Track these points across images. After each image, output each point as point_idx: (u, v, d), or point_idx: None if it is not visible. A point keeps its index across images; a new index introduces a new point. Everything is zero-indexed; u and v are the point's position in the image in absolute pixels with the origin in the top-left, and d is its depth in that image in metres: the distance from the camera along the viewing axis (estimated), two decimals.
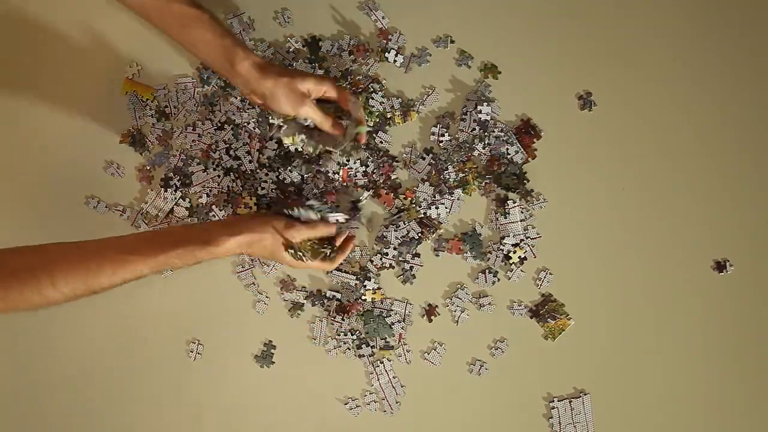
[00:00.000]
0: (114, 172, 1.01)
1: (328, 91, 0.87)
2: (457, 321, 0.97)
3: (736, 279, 0.97)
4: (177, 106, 1.01)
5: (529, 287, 0.98)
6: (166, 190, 0.99)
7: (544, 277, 0.97)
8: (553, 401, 0.97)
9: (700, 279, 0.97)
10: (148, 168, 1.01)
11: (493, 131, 0.97)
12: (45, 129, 1.02)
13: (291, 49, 1.00)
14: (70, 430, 1.00)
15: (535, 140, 0.98)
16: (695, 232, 0.97)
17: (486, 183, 0.97)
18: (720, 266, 0.97)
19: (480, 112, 0.97)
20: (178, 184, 1.00)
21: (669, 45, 0.99)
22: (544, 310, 0.97)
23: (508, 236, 0.96)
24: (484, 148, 0.97)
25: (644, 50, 0.99)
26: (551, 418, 0.97)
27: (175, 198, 1.00)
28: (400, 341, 0.97)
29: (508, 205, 0.96)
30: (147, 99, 1.01)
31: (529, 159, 0.97)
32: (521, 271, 0.97)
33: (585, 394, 0.97)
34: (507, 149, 0.97)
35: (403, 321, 0.97)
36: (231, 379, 0.99)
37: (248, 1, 1.01)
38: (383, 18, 1.00)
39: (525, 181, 0.97)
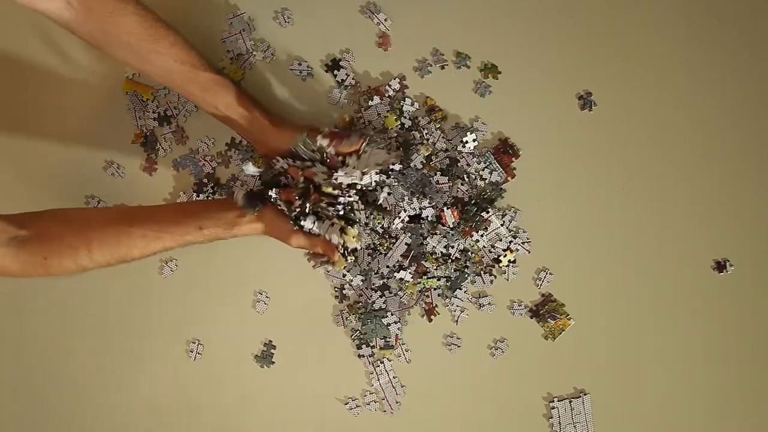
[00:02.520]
0: (114, 172, 1.01)
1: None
2: (457, 320, 0.97)
3: (736, 279, 0.97)
4: (177, 107, 1.01)
5: (529, 287, 0.98)
6: (198, 195, 1.00)
7: (544, 277, 0.97)
8: (553, 401, 0.97)
9: (700, 279, 0.97)
10: (156, 166, 1.01)
11: (470, 161, 0.97)
12: (45, 129, 1.02)
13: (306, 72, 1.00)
14: (70, 430, 1.00)
15: (513, 159, 0.98)
16: (695, 232, 0.97)
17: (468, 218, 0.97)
18: (720, 266, 0.97)
19: (466, 143, 0.97)
20: (211, 190, 1.00)
21: (669, 45, 0.99)
22: (544, 310, 0.97)
23: (499, 242, 0.97)
24: (467, 189, 0.97)
25: (644, 50, 0.99)
26: (551, 418, 0.97)
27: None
28: (396, 342, 0.97)
29: (482, 216, 0.96)
30: (147, 99, 1.01)
31: (509, 178, 0.98)
32: (513, 273, 0.97)
33: (585, 394, 0.97)
34: (482, 172, 0.97)
35: (399, 321, 0.97)
36: (231, 379, 1.00)
37: (248, 1, 1.01)
38: (385, 20, 1.00)
39: (500, 197, 0.97)
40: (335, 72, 1.00)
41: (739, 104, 0.98)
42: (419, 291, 0.97)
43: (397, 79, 0.99)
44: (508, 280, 0.97)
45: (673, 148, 0.98)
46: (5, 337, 1.01)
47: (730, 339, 0.96)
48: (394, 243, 0.96)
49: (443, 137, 0.97)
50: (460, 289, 0.97)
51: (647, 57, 0.99)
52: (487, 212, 0.96)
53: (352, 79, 0.99)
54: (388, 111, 0.98)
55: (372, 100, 0.98)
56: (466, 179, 0.97)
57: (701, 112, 0.98)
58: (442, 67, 0.99)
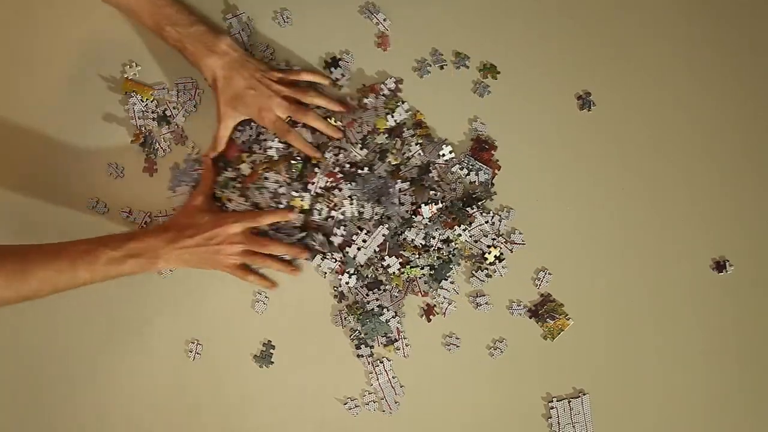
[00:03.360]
0: (114, 172, 1.01)
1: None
2: (445, 313, 0.97)
3: (736, 279, 0.97)
4: (176, 107, 1.01)
5: (528, 287, 0.98)
6: None
7: (543, 277, 0.97)
8: (552, 401, 0.97)
9: (700, 279, 0.97)
10: (156, 166, 1.01)
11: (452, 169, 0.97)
12: (44, 129, 1.02)
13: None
14: (70, 430, 1.01)
15: (492, 152, 0.98)
16: (695, 232, 0.97)
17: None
18: (720, 266, 0.97)
19: (443, 155, 0.97)
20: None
21: (668, 45, 0.98)
22: (543, 310, 0.97)
23: (483, 237, 0.97)
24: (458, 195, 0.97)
25: (644, 50, 0.99)
26: (550, 418, 0.97)
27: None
28: (399, 335, 0.97)
29: (465, 211, 0.96)
30: (146, 99, 1.01)
31: (496, 171, 0.97)
32: (503, 268, 0.97)
33: (584, 394, 0.97)
34: (467, 177, 0.97)
35: (397, 315, 0.97)
36: (231, 379, 1.00)
37: (247, 1, 1.01)
38: (384, 20, 1.00)
39: (489, 199, 0.97)
40: (332, 69, 0.99)
41: (739, 104, 0.98)
42: (405, 281, 0.97)
43: (393, 79, 0.99)
44: (491, 276, 0.96)
45: (672, 148, 0.98)
46: (4, 337, 1.02)
47: (729, 339, 0.96)
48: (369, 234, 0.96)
49: (419, 153, 0.97)
50: (446, 279, 0.96)
51: (646, 57, 0.98)
52: (472, 208, 0.96)
53: (347, 79, 0.99)
54: (378, 115, 0.98)
55: (367, 98, 0.98)
56: (439, 188, 0.97)
57: (700, 111, 0.98)
58: (442, 67, 0.99)
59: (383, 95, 0.99)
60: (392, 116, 0.98)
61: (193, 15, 0.94)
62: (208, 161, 0.97)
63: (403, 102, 0.98)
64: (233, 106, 0.94)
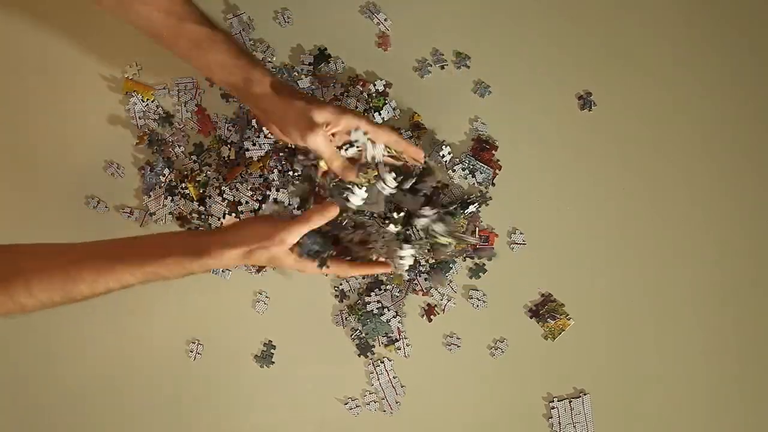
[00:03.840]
0: (114, 172, 1.01)
1: (352, 124, 0.75)
2: (444, 309, 0.97)
3: (737, 279, 0.97)
4: (177, 107, 1.01)
5: (528, 287, 0.98)
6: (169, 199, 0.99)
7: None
8: (553, 401, 0.97)
9: (700, 279, 0.97)
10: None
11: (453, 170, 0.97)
12: (44, 129, 1.02)
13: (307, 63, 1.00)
14: (70, 430, 1.00)
15: (493, 152, 0.98)
16: (695, 231, 0.97)
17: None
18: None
19: (443, 156, 0.97)
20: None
21: (669, 45, 0.99)
22: (544, 310, 0.97)
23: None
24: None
25: (644, 50, 0.99)
26: (551, 418, 0.97)
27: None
28: (400, 335, 0.97)
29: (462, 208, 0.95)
30: (147, 99, 1.01)
31: (496, 171, 0.98)
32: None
33: (585, 394, 0.97)
34: (467, 177, 0.97)
35: (397, 315, 0.97)
36: (231, 379, 1.00)
37: (248, 1, 1.01)
38: (385, 20, 1.00)
39: (485, 204, 0.97)
40: (320, 64, 0.99)
41: (739, 104, 0.98)
42: (406, 280, 0.97)
43: (383, 81, 0.99)
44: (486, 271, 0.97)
45: (672, 148, 0.98)
46: (4, 338, 1.01)
47: (729, 338, 0.96)
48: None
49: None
50: (445, 277, 0.96)
51: (647, 57, 0.99)
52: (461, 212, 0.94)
53: (339, 73, 1.00)
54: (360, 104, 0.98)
55: (353, 87, 0.98)
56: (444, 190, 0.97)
57: (701, 111, 0.98)
58: (442, 67, 0.99)
59: (368, 94, 0.98)
60: (379, 114, 0.97)
61: (286, 87, 0.77)
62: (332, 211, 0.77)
63: (390, 100, 0.98)
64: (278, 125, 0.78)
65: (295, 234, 0.74)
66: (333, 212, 0.76)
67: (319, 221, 0.75)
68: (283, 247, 0.74)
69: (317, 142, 0.74)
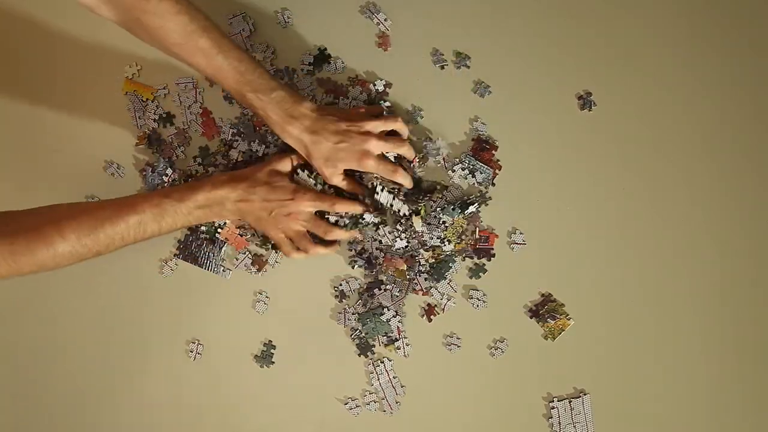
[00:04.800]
0: (114, 172, 1.01)
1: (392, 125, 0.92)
2: (444, 308, 0.97)
3: (737, 279, 0.97)
4: (179, 107, 1.01)
5: (528, 287, 0.98)
6: None
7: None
8: (553, 401, 0.97)
9: (701, 279, 0.97)
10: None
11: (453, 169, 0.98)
12: (44, 129, 1.02)
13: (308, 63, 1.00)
14: (70, 430, 1.00)
15: (493, 152, 0.98)
16: (695, 232, 0.97)
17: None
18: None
19: (439, 149, 0.97)
20: None
21: (669, 45, 0.99)
22: (544, 310, 0.97)
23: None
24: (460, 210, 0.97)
25: (644, 50, 0.99)
26: (551, 418, 0.97)
27: None
28: (399, 334, 0.97)
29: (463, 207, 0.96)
30: (147, 99, 1.01)
31: (497, 171, 0.98)
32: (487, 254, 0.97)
33: (585, 394, 0.97)
34: (467, 177, 0.97)
35: (397, 315, 0.97)
36: (231, 379, 1.00)
37: (248, 1, 1.01)
38: (385, 20, 1.00)
39: (484, 204, 0.97)
40: (321, 66, 1.00)
41: (739, 104, 0.98)
42: (407, 280, 0.97)
43: (383, 81, 0.99)
44: (485, 271, 0.97)
45: (673, 148, 0.98)
46: (3, 337, 1.02)
47: (730, 339, 0.96)
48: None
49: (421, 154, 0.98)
50: (444, 278, 0.96)
51: (647, 57, 0.99)
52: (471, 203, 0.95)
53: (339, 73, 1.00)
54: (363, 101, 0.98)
55: (353, 87, 0.98)
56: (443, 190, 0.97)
57: (701, 111, 0.98)
58: (442, 67, 1.00)
59: (368, 95, 0.98)
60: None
61: (274, 80, 0.88)
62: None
63: (384, 101, 0.98)
64: (333, 165, 0.89)
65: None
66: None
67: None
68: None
69: (372, 166, 0.91)
